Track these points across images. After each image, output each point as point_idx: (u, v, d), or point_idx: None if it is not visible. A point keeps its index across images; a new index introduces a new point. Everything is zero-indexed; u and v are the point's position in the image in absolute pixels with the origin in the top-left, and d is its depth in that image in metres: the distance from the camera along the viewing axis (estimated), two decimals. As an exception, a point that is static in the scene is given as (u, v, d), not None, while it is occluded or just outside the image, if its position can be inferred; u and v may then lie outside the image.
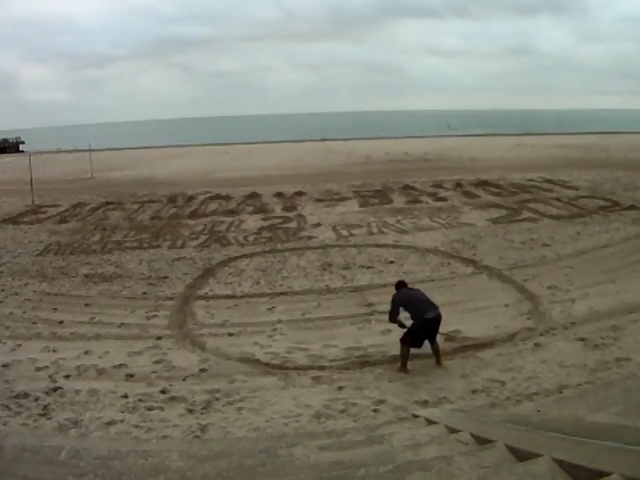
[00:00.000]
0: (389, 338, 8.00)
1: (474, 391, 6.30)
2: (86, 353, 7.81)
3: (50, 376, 7.04)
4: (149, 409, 6.16)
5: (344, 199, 19.53)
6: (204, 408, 6.15)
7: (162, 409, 6.16)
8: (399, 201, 18.91)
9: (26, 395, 6.45)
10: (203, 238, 14.82)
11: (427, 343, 6.99)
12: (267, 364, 7.32)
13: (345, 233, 14.82)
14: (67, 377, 7.05)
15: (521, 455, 3.00)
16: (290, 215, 17.21)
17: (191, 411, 6.08)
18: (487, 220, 15.62)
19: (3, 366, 7.34)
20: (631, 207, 16.45)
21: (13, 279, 11.72)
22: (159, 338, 8.31)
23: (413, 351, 7.01)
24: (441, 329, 7.10)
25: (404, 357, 7.00)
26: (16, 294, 10.71)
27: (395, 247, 13.27)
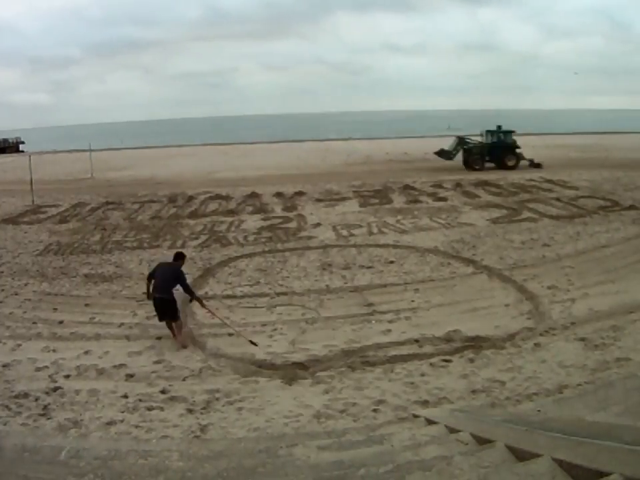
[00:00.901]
0: (389, 338, 8.01)
1: (474, 391, 6.30)
2: (86, 353, 7.81)
3: (50, 376, 7.04)
4: (149, 409, 6.16)
5: (344, 198, 19.54)
6: (204, 408, 6.14)
7: (162, 409, 6.16)
8: (399, 200, 18.91)
9: (26, 395, 6.44)
10: (203, 238, 14.82)
11: None
12: (266, 364, 7.32)
13: (344, 232, 14.82)
14: (67, 376, 7.05)
15: (521, 455, 3.00)
16: (290, 214, 17.22)
17: (190, 411, 6.08)
18: (487, 220, 15.62)
19: (3, 366, 7.34)
20: (631, 207, 16.45)
21: (12, 279, 11.71)
22: (159, 338, 8.30)
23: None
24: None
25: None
26: (16, 294, 10.70)
27: (395, 247, 13.26)
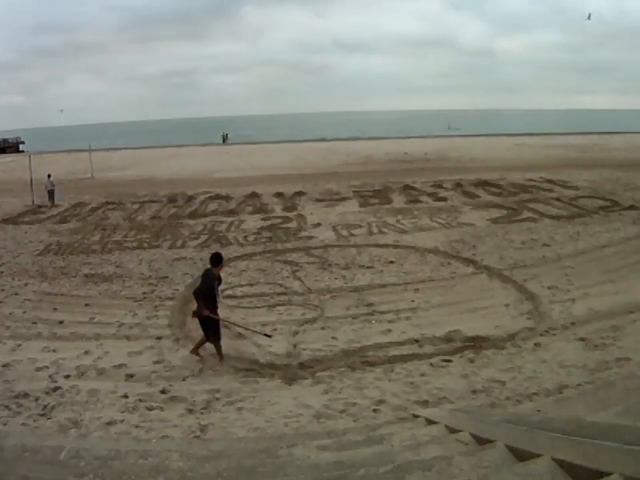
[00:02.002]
0: (389, 338, 8.01)
1: (474, 391, 6.30)
2: (86, 353, 7.80)
3: (50, 376, 7.04)
4: (149, 408, 6.16)
5: (344, 198, 19.55)
6: (204, 408, 6.14)
7: (162, 409, 6.16)
8: (399, 200, 18.93)
9: (26, 395, 6.44)
10: (203, 238, 14.83)
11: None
12: (267, 364, 7.32)
13: (344, 232, 14.82)
14: (67, 376, 7.04)
15: (521, 455, 2.99)
16: (290, 215, 17.22)
17: (191, 411, 6.08)
18: (487, 220, 15.63)
19: (3, 366, 7.34)
20: (631, 207, 16.46)
21: (13, 279, 11.71)
22: (159, 338, 8.31)
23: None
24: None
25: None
26: (16, 294, 10.70)
27: (395, 246, 13.27)
